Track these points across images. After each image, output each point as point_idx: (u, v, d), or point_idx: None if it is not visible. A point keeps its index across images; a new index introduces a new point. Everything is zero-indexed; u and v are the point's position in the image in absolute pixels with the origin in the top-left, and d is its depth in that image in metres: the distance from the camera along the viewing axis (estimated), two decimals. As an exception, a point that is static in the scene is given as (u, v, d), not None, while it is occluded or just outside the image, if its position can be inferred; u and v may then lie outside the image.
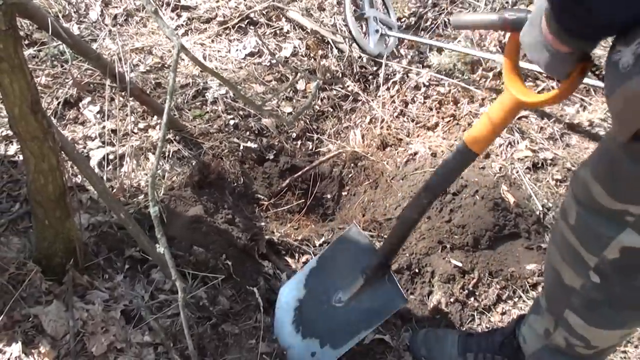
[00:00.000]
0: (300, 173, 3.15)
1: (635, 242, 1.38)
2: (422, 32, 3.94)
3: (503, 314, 2.49)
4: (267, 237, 2.67)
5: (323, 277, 2.47)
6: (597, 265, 1.49)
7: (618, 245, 1.41)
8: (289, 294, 2.47)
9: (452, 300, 2.51)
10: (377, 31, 3.73)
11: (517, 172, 3.02)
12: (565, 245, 1.59)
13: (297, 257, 2.67)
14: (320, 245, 2.74)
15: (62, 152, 2.00)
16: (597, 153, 1.47)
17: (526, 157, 3.09)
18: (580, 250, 1.53)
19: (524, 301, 2.52)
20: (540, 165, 3.08)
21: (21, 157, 2.11)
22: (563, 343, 1.78)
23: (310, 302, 2.45)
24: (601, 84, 1.47)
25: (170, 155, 2.76)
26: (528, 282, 2.58)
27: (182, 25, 3.58)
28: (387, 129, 3.31)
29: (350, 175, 3.27)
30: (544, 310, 1.85)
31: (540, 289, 2.56)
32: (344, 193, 3.22)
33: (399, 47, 3.89)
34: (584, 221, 1.50)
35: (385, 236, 2.59)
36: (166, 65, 3.21)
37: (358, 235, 2.43)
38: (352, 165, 3.26)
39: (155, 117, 2.87)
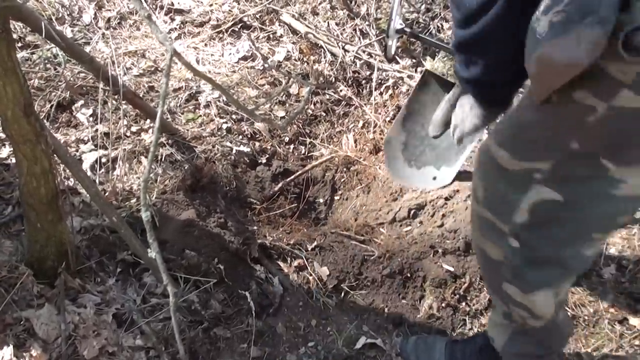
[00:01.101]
0: (292, 177, 3.15)
1: (540, 195, 1.44)
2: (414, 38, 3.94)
3: (495, 318, 2.49)
4: (259, 241, 2.67)
5: (415, 117, 2.92)
6: (511, 231, 1.55)
7: (526, 204, 1.48)
8: (393, 143, 2.99)
9: (443, 304, 2.52)
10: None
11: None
12: (481, 222, 1.66)
13: (289, 262, 2.67)
14: (312, 249, 2.74)
15: (55, 155, 2.00)
16: (501, 124, 1.54)
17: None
18: (495, 221, 1.59)
19: (515, 306, 2.53)
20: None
21: (14, 160, 2.12)
22: (519, 319, 1.81)
23: (412, 140, 2.98)
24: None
25: (163, 159, 2.76)
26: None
27: (176, 28, 3.58)
28: (380, 134, 3.31)
29: (342, 180, 3.26)
30: (494, 299, 1.91)
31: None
32: (336, 197, 3.22)
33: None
34: (491, 192, 1.57)
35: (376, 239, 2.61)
36: (159, 69, 3.21)
37: (435, 77, 2.78)
38: (345, 169, 3.26)
39: (148, 120, 2.87)
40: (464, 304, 2.54)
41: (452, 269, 2.59)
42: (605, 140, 1.27)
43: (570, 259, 1.57)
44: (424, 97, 2.83)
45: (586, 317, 2.48)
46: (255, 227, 2.84)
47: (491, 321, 2.05)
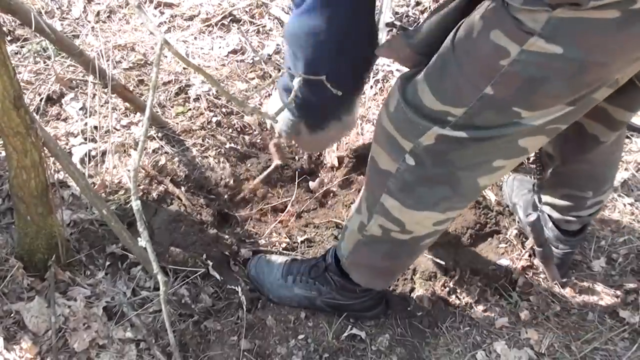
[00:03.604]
0: (282, 171, 3.15)
1: (451, 134, 1.48)
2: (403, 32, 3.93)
3: (485, 311, 2.50)
4: (248, 246, 2.68)
5: None
6: (412, 150, 1.58)
7: (434, 134, 1.51)
8: None
9: (434, 297, 2.52)
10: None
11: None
12: (383, 131, 1.67)
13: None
14: (302, 242, 2.75)
15: (45, 148, 2.00)
16: (435, 58, 1.52)
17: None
18: (396, 136, 1.61)
19: (505, 299, 2.53)
20: (520, 163, 3.09)
21: (3, 153, 2.11)
22: (378, 231, 1.87)
23: None
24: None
25: (152, 152, 2.76)
26: (509, 279, 2.60)
27: (165, 22, 3.57)
28: (373, 127, 3.30)
29: (334, 175, 3.26)
30: (362, 207, 1.93)
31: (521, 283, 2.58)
32: (331, 189, 3.21)
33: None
34: (403, 112, 1.57)
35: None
36: (149, 62, 3.20)
37: None
38: (337, 164, 3.26)
39: (138, 113, 2.86)
40: (454, 296, 2.54)
41: (442, 262, 2.60)
42: (517, 86, 1.32)
43: (464, 184, 1.64)
44: None
45: (575, 310, 2.50)
46: (245, 222, 2.84)
47: (345, 232, 2.12)
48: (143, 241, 1.13)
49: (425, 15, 3.69)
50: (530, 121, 1.41)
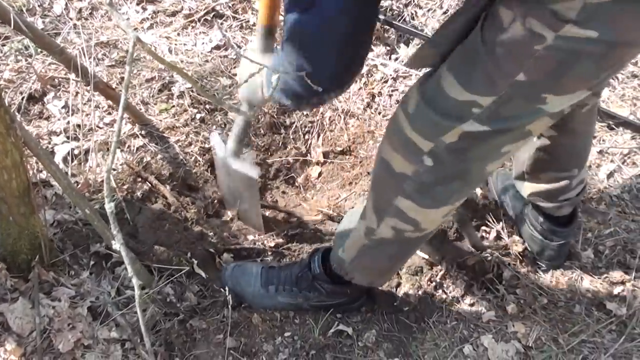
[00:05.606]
0: (267, 168, 3.14)
1: (475, 129, 1.49)
2: (387, 25, 3.93)
3: (472, 305, 2.50)
4: (234, 237, 2.68)
5: None
6: (431, 150, 1.59)
7: (458, 131, 1.52)
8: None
9: (420, 292, 2.52)
10: None
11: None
12: (398, 133, 1.67)
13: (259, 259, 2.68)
14: (291, 237, 2.77)
15: (26, 148, 1.98)
16: (458, 51, 1.53)
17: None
18: (413, 137, 1.61)
19: (492, 292, 2.53)
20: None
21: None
22: (390, 233, 1.89)
23: None
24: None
25: (136, 150, 2.75)
26: (495, 273, 2.60)
27: (147, 18, 3.55)
28: (357, 122, 3.30)
29: (319, 171, 3.25)
30: (368, 213, 1.94)
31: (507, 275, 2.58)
32: (316, 185, 3.20)
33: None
34: (424, 112, 1.58)
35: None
36: (132, 59, 3.18)
37: None
38: (322, 159, 3.26)
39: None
40: (440, 291, 2.54)
41: (427, 257, 2.60)
42: (549, 70, 1.34)
43: (474, 174, 1.67)
44: None
45: (562, 303, 2.50)
46: (229, 223, 2.84)
47: (340, 240, 2.16)
48: (117, 244, 1.12)
49: (412, 9, 3.70)
50: (552, 108, 1.44)
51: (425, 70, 1.65)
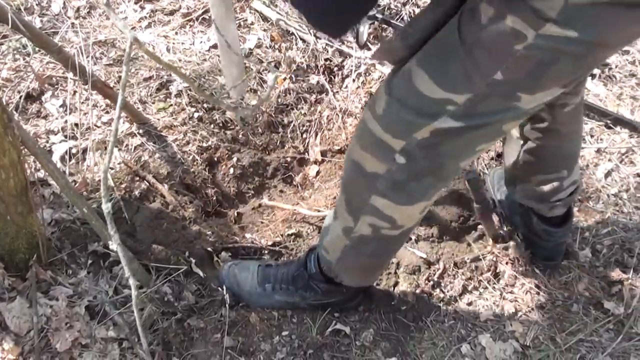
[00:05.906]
0: (265, 167, 3.14)
1: (448, 125, 1.49)
2: (385, 25, 3.93)
3: (469, 304, 2.50)
4: (233, 236, 2.68)
5: None
6: (403, 148, 1.59)
7: (430, 128, 1.52)
8: None
9: (418, 291, 2.52)
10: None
11: (481, 162, 3.04)
12: (368, 135, 1.67)
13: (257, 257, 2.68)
14: (289, 236, 2.75)
15: (24, 147, 1.98)
16: (431, 45, 1.52)
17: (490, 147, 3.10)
18: (384, 137, 1.61)
19: (489, 292, 2.53)
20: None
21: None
22: (368, 230, 1.88)
23: None
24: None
25: (134, 149, 2.75)
26: (493, 272, 2.60)
27: (145, 17, 3.55)
28: (355, 120, 3.30)
29: (317, 170, 3.25)
30: (341, 213, 1.94)
31: (505, 274, 2.58)
32: (314, 183, 3.20)
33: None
34: (393, 111, 1.57)
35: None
36: (131, 58, 3.18)
37: None
38: (320, 158, 3.25)
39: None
40: (438, 290, 2.54)
41: (425, 256, 2.60)
42: (529, 69, 1.34)
43: (448, 169, 1.68)
44: None
45: (560, 302, 2.50)
46: (228, 220, 2.84)
47: (325, 241, 2.14)
48: (114, 244, 1.12)
49: (410, 8, 3.70)
50: (526, 105, 1.44)
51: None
